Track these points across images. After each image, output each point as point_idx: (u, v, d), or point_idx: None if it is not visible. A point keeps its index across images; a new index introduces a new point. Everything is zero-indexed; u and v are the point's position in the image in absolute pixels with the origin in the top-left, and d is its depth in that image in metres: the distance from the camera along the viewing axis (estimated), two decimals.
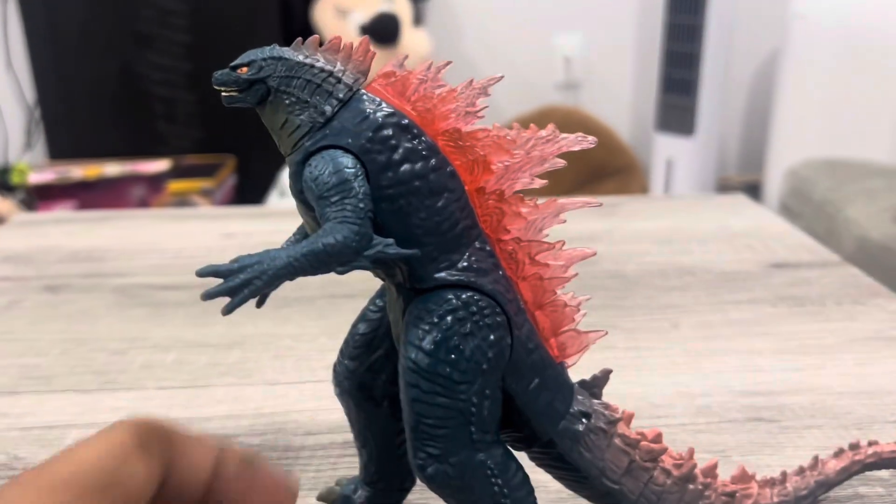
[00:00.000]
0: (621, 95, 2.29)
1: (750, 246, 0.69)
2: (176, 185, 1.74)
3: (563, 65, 2.26)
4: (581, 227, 0.74)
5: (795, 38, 1.82)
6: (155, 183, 1.77)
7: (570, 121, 2.23)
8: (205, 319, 0.56)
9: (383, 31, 1.84)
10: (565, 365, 0.33)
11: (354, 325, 0.34)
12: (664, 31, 1.97)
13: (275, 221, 0.77)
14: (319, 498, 0.37)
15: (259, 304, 0.31)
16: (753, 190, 2.12)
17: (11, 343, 0.53)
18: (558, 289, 0.32)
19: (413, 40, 1.89)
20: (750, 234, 0.72)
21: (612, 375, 0.33)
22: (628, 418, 0.33)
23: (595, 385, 0.33)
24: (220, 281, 0.26)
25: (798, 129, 1.90)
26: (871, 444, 0.38)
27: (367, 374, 0.33)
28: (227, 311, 0.26)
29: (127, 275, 0.64)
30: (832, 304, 0.58)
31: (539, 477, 0.31)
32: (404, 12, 1.89)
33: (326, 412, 0.44)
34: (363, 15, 1.85)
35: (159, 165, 1.77)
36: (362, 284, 0.58)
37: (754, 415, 0.44)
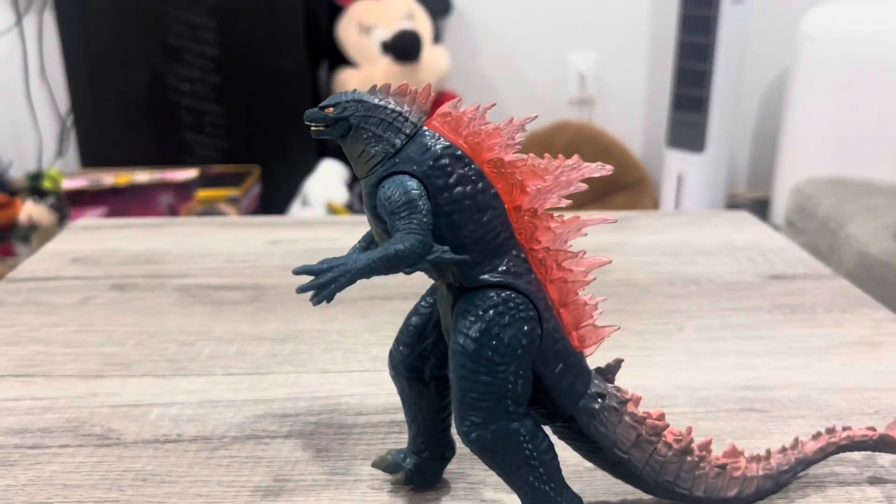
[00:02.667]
0: (634, 112, 2.35)
1: (751, 259, 0.76)
2: (203, 193, 1.82)
3: (577, 81, 2.32)
4: (598, 240, 0.79)
5: (804, 58, 1.88)
6: (183, 190, 1.85)
7: (583, 136, 2.29)
8: (259, 317, 0.63)
9: (405, 47, 1.91)
10: (584, 354, 0.39)
11: (408, 318, 0.41)
12: (676, 50, 2.03)
13: (314, 230, 0.84)
14: (374, 464, 0.43)
15: (329, 300, 0.38)
16: (761, 206, 2.17)
17: (91, 334, 0.60)
18: (580, 290, 0.38)
19: (433, 57, 1.96)
20: (751, 248, 0.79)
21: (622, 372, 0.40)
22: (636, 400, 0.40)
23: (609, 371, 0.40)
24: (311, 278, 0.33)
25: (805, 148, 1.96)
26: (845, 428, 0.44)
27: (418, 359, 0.40)
28: (317, 302, 0.33)
29: (186, 276, 0.71)
30: (822, 312, 0.65)
31: (560, 454, 0.37)
32: (425, 29, 1.96)
33: (373, 397, 0.51)
34: (385, 31, 1.92)
35: (188, 174, 1.85)
36: (396, 288, 0.65)
37: (747, 406, 0.51)
